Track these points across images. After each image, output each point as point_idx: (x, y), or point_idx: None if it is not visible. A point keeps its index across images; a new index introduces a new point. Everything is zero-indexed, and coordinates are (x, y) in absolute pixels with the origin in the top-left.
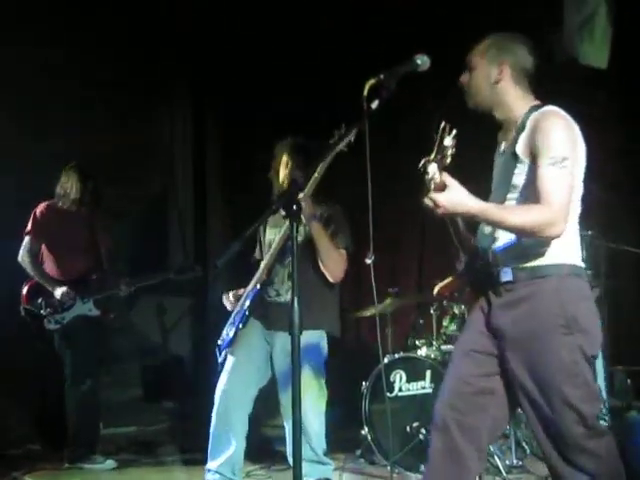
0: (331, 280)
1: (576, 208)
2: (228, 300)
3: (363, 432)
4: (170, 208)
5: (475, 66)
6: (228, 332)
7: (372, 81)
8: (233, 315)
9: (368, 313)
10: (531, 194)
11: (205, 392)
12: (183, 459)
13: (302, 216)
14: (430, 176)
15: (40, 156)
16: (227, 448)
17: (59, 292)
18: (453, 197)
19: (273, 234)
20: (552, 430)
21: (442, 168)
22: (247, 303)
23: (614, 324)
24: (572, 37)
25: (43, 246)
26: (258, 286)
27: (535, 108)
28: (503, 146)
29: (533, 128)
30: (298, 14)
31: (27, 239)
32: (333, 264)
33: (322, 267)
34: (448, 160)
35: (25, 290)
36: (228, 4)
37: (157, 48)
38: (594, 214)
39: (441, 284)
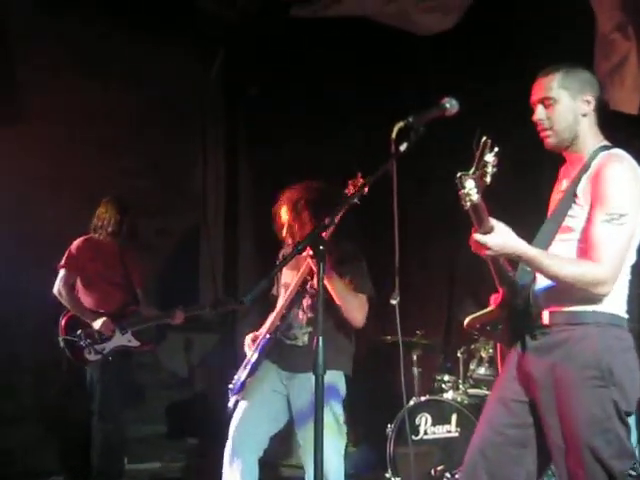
0: (354, 326)
1: (630, 259)
2: (248, 344)
3: (387, 475)
4: (201, 243)
5: (557, 100)
6: (240, 376)
7: (401, 124)
8: (247, 359)
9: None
10: (585, 240)
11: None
12: None
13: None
14: (466, 191)
15: (75, 196)
16: None
17: (99, 323)
18: (502, 240)
19: (289, 277)
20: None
21: (482, 187)
22: (257, 354)
23: None
24: (602, 83)
25: (78, 279)
26: (269, 335)
27: (604, 148)
28: (565, 184)
29: (596, 173)
30: (326, 56)
31: (62, 272)
32: (354, 311)
33: (344, 314)
34: (488, 179)
35: (63, 322)
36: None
37: (192, 87)
38: None
39: (473, 315)
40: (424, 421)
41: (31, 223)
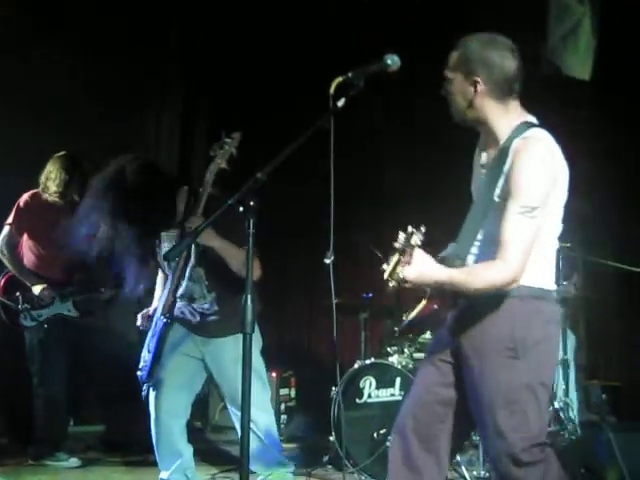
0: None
1: (550, 234)
2: (140, 322)
3: (331, 438)
4: None
5: (451, 81)
6: (147, 361)
7: (340, 79)
8: (147, 341)
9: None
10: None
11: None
12: (150, 459)
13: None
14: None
15: (26, 153)
16: (174, 457)
17: (38, 289)
18: (421, 271)
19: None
20: (488, 450)
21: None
22: (155, 339)
23: (590, 338)
24: (556, 48)
25: (24, 238)
26: (164, 319)
27: (520, 129)
28: (484, 158)
29: (512, 163)
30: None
31: (7, 229)
32: (243, 266)
33: (237, 272)
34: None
35: (2, 282)
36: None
37: (149, 49)
38: (572, 227)
39: (416, 311)
40: (368, 384)
41: None
